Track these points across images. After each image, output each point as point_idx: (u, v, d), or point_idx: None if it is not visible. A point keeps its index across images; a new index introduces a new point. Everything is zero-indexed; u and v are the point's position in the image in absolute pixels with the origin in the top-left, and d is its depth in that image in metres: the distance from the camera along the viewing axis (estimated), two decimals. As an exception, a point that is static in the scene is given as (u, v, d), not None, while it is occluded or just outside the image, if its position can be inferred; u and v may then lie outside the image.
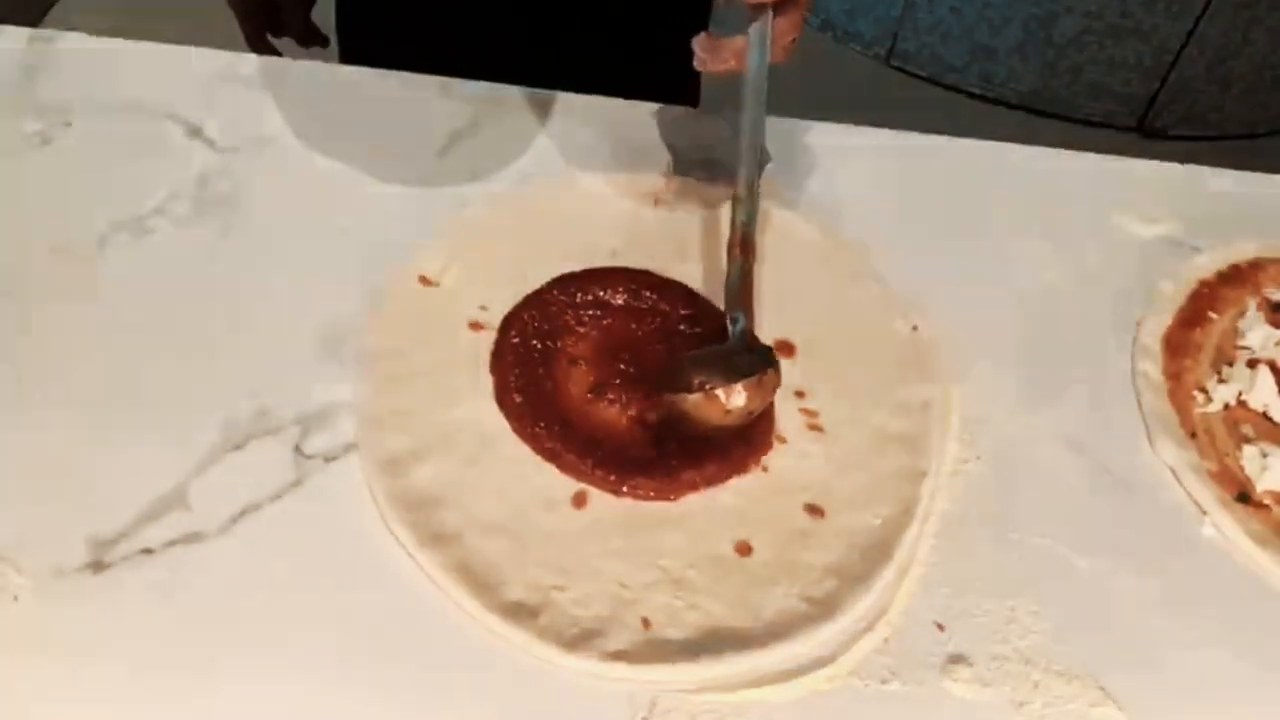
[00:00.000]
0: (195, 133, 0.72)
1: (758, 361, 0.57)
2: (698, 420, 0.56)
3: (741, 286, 0.61)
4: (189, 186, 0.69)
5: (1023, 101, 2.16)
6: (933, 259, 0.70)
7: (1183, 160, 0.80)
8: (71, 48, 0.77)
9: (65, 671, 0.49)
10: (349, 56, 0.92)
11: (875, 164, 0.77)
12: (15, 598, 0.51)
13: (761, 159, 0.63)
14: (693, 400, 0.56)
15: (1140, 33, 2.01)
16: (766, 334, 0.63)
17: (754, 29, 0.60)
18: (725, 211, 0.70)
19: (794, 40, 0.62)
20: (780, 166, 0.74)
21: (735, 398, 0.55)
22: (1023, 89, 2.14)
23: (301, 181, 0.70)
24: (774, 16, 0.61)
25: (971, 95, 2.19)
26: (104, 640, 0.50)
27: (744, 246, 0.61)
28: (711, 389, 0.55)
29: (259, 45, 0.88)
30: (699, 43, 0.62)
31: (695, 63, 0.62)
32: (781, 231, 0.70)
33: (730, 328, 0.60)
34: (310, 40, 0.91)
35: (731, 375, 0.56)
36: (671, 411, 0.57)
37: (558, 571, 0.54)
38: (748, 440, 0.59)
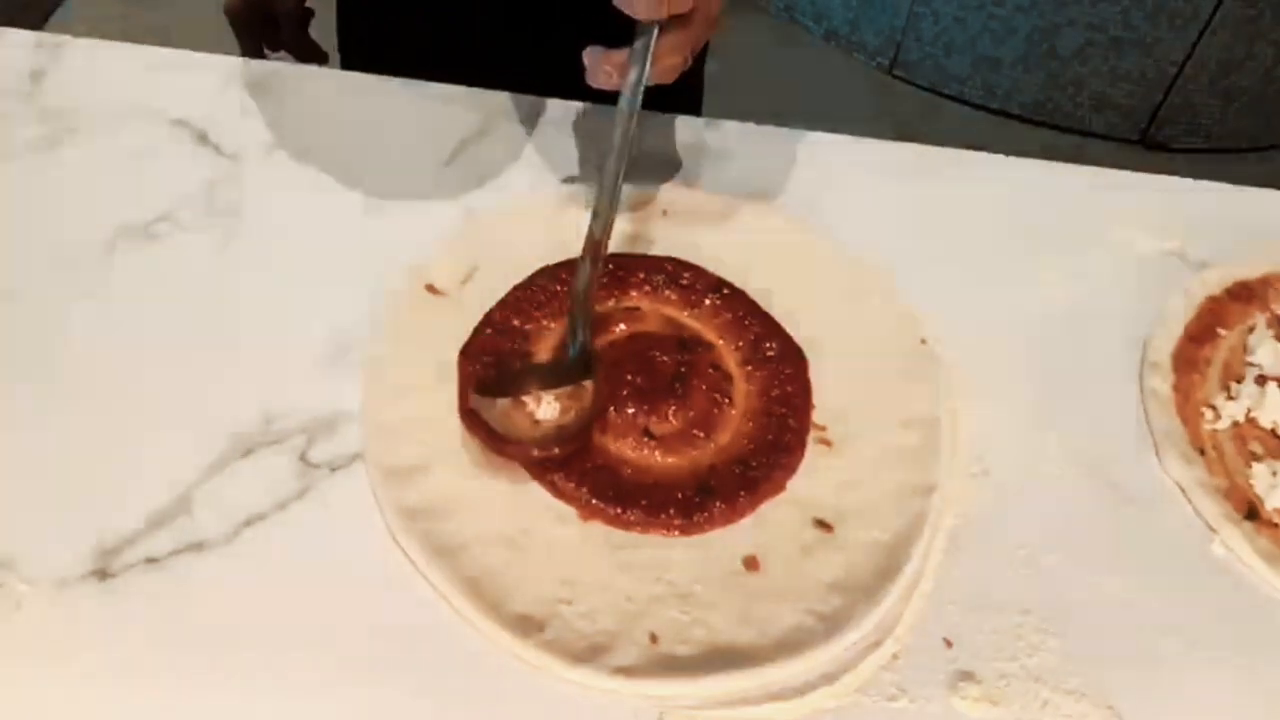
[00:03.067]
0: (202, 139, 0.72)
1: (580, 373, 0.55)
2: (506, 432, 0.54)
3: (586, 298, 0.60)
4: (196, 193, 0.69)
5: (1025, 113, 2.16)
6: (937, 272, 0.70)
7: (1185, 173, 0.80)
8: (79, 52, 0.77)
9: (68, 680, 0.49)
10: (350, 68, 0.92)
11: (878, 176, 0.76)
12: (19, 606, 0.51)
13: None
14: (500, 407, 0.53)
15: (1144, 45, 2.01)
16: (775, 346, 0.63)
17: (638, 42, 0.59)
18: (733, 220, 0.70)
19: (681, 61, 0.60)
20: (784, 178, 0.74)
21: (545, 407, 0.53)
22: (1026, 100, 2.15)
23: (309, 188, 0.70)
24: (660, 34, 0.59)
25: (974, 106, 2.19)
26: (107, 649, 0.50)
27: (594, 257, 0.60)
28: (520, 396, 0.53)
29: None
30: (587, 54, 0.60)
31: (587, 76, 0.60)
32: (787, 244, 0.70)
33: (570, 341, 0.59)
34: (307, 56, 0.91)
35: (547, 383, 0.54)
36: (477, 420, 0.54)
37: (564, 585, 0.53)
38: (753, 487, 0.58)
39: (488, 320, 0.63)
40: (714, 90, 0.97)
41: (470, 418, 0.55)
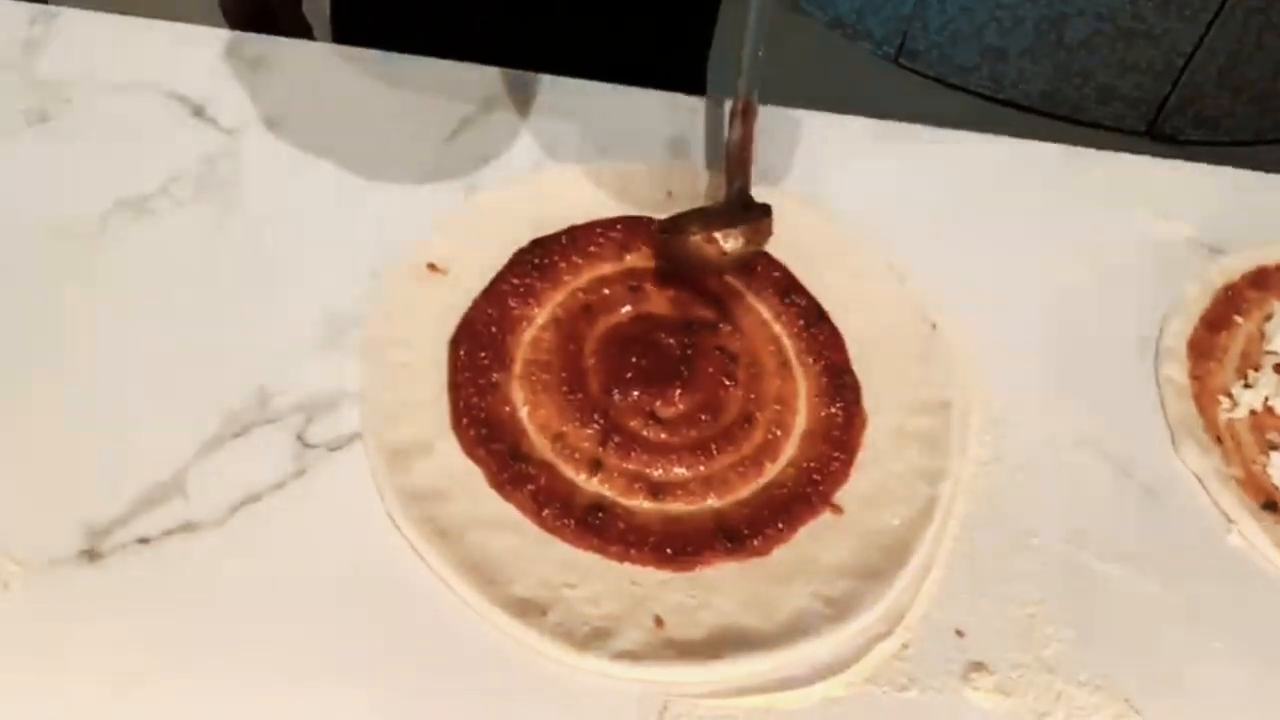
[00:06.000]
0: (199, 113, 0.70)
1: (753, 214, 0.62)
2: (696, 259, 0.61)
3: (740, 150, 0.65)
4: (192, 167, 0.67)
5: (1032, 103, 2.14)
6: (948, 256, 0.68)
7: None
8: (73, 24, 0.75)
9: (57, 662, 0.48)
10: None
11: (887, 158, 0.75)
12: (6, 586, 0.49)
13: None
14: (694, 241, 0.61)
15: (1152, 36, 1.99)
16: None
17: None
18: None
19: None
20: (790, 160, 0.73)
21: (731, 241, 0.60)
22: (1032, 91, 2.13)
23: (308, 165, 0.68)
24: None
25: (980, 96, 2.17)
26: (97, 630, 0.49)
27: (745, 112, 0.65)
28: (710, 232, 0.60)
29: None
30: None
31: None
32: (797, 227, 0.68)
33: (728, 187, 0.64)
34: (300, 34, 0.89)
35: (730, 223, 0.61)
36: (671, 251, 0.63)
37: (568, 568, 0.52)
38: (761, 530, 0.55)
39: (482, 300, 0.62)
40: (716, 82, 0.96)
41: (661, 246, 0.64)
